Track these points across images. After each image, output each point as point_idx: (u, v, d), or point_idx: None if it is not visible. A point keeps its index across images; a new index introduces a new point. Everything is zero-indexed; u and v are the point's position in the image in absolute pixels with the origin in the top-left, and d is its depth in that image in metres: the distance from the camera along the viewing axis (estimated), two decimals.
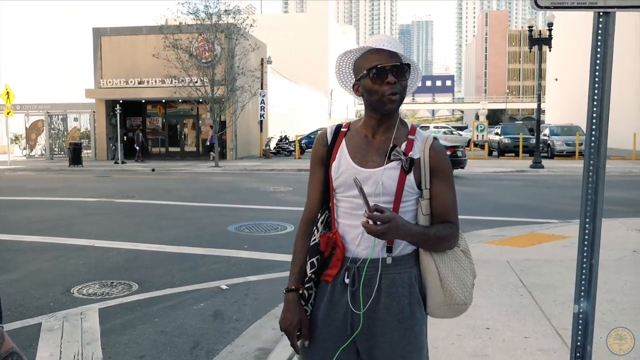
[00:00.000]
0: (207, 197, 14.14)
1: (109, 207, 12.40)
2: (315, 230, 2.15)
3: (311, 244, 2.15)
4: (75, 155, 26.13)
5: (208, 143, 30.67)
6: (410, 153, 2.02)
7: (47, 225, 9.90)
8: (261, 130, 33.32)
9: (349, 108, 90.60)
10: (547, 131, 30.21)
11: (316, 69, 72.08)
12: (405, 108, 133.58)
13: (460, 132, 47.82)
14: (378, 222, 1.80)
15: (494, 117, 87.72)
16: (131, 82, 29.99)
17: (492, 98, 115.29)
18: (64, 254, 7.72)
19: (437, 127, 48.15)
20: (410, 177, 2.00)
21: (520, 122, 53.68)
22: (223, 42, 26.29)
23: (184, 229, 9.65)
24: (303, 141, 34.68)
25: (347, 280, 2.03)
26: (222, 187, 16.90)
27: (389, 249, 2.01)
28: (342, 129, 2.17)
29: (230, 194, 14.88)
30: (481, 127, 31.72)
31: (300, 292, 2.09)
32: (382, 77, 1.97)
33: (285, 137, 36.96)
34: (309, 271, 2.12)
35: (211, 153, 28.61)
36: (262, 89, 31.85)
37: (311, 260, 2.12)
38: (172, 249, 7.93)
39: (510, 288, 5.54)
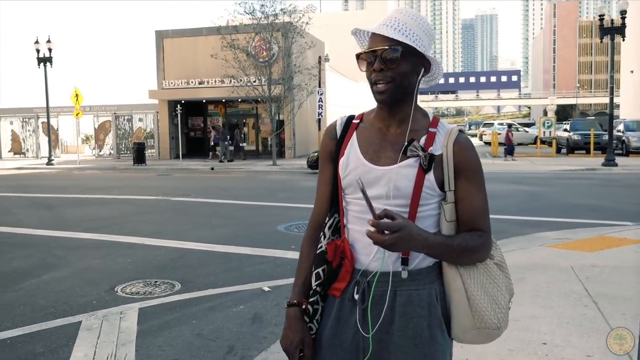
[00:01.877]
0: (261, 195, 14.07)
1: (164, 205, 12.51)
2: (322, 237, 1.88)
3: (317, 252, 1.88)
4: (139, 154, 26.79)
5: (212, 143, 31.01)
6: (431, 148, 1.72)
7: (102, 223, 10.04)
8: (319, 129, 33.14)
9: None
10: (621, 127, 28.58)
11: None
12: (469, 104, 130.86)
13: (526, 129, 46.11)
14: (386, 231, 1.52)
15: (564, 113, 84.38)
16: (192, 82, 30.50)
17: (561, 93, 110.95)
18: (114, 252, 7.75)
19: (501, 124, 46.68)
20: (430, 177, 1.70)
21: (592, 117, 51.22)
22: (280, 40, 26.30)
23: (234, 227, 9.56)
24: None
25: (356, 297, 1.75)
26: (277, 185, 16.82)
27: (405, 261, 1.71)
28: (354, 121, 1.89)
29: (284, 192, 14.76)
30: (548, 123, 30.35)
31: (304, 307, 1.82)
32: (369, 63, 1.73)
33: None
34: (314, 283, 1.85)
35: (212, 152, 29.57)
36: (319, 87, 31.72)
37: (317, 270, 1.85)
38: (220, 248, 7.83)
39: (573, 297, 5.06)
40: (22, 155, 36.31)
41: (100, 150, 35.76)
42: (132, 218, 10.77)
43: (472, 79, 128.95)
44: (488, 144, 37.72)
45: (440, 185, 1.72)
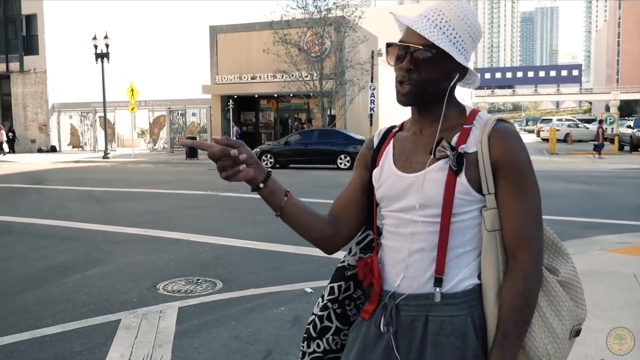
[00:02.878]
0: (308, 191, 13.90)
1: (212, 201, 12.53)
2: (348, 251, 1.67)
3: (338, 265, 1.67)
4: (191, 148, 27.10)
5: (234, 138, 30.70)
6: (463, 146, 1.46)
7: (149, 218, 10.10)
8: (371, 124, 32.80)
9: (464, 99, 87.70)
10: None
11: None
12: (526, 100, 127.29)
13: (587, 125, 44.46)
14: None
15: (627, 109, 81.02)
16: (244, 77, 30.70)
17: (625, 88, 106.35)
18: (159, 248, 7.74)
19: (560, 120, 45.12)
20: (462, 179, 1.44)
21: None
22: (332, 35, 26.12)
23: (279, 224, 9.35)
24: None
25: (385, 321, 1.53)
26: (326, 181, 16.67)
27: (438, 281, 1.47)
28: (394, 129, 1.68)
29: (333, 189, 14.54)
30: (610, 119, 29.13)
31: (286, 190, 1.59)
32: (397, 57, 1.50)
33: None
34: (326, 297, 1.66)
35: None
36: (372, 82, 31.36)
37: (332, 285, 1.66)
38: (264, 246, 7.71)
39: (635, 308, 4.68)
40: (80, 149, 37.45)
41: (155, 144, 36.50)
42: (179, 213, 10.80)
43: (531, 74, 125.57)
44: (546, 140, 36.52)
45: (479, 188, 1.46)
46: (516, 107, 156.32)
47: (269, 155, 21.78)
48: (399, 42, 1.48)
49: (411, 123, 1.61)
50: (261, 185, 1.49)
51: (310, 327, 1.69)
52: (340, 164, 20.81)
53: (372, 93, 31.46)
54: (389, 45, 1.53)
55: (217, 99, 31.74)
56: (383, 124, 37.39)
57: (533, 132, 54.10)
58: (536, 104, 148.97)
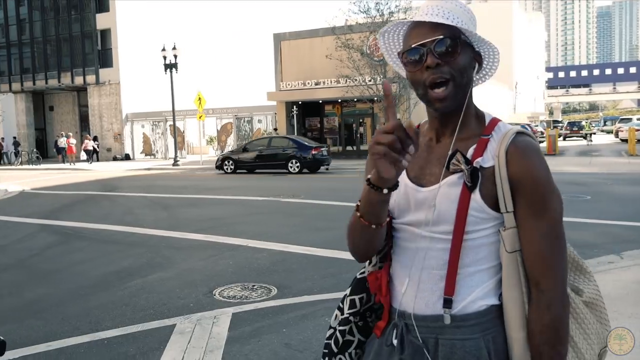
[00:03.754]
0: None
1: (273, 206, 12.64)
2: (368, 262, 1.60)
3: (358, 276, 1.61)
4: None
5: None
6: (478, 160, 1.37)
7: (211, 224, 10.30)
8: None
9: (537, 101, 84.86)
10: None
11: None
12: (604, 99, 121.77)
13: None
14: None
15: None
16: (308, 83, 30.93)
17: None
18: (218, 253, 7.87)
19: None
20: (477, 196, 1.35)
21: None
22: None
23: (339, 231, 9.33)
24: None
25: (394, 341, 1.46)
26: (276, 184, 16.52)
27: (447, 302, 1.38)
28: None
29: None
30: None
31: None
32: (418, 60, 1.37)
33: None
34: (347, 310, 1.58)
35: None
36: None
37: (353, 297, 1.59)
38: (321, 252, 7.69)
39: None
40: (152, 157, 38.82)
41: (222, 151, 37.29)
42: (240, 219, 10.96)
43: (608, 71, 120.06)
44: (625, 141, 34.76)
45: (494, 206, 1.36)
46: (593, 107, 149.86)
47: (230, 161, 23.63)
48: (414, 44, 1.38)
49: (428, 129, 1.51)
50: (386, 191, 1.26)
51: (332, 342, 1.62)
52: (291, 167, 22.31)
53: None
54: (401, 54, 1.44)
55: (282, 106, 32.13)
56: None
57: (611, 132, 51.60)
58: (615, 103, 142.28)
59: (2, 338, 1.61)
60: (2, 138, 40.26)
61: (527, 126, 35.40)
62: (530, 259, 1.35)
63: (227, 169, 23.64)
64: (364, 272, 1.60)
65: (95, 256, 8.02)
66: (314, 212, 11.54)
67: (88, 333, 4.91)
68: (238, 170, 23.36)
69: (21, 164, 36.28)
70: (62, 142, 33.74)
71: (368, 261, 1.61)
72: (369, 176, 1.24)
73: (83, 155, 34.51)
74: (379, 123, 31.93)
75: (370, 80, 25.69)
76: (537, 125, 48.54)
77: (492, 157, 1.37)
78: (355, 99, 28.63)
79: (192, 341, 4.63)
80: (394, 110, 1.23)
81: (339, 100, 32.00)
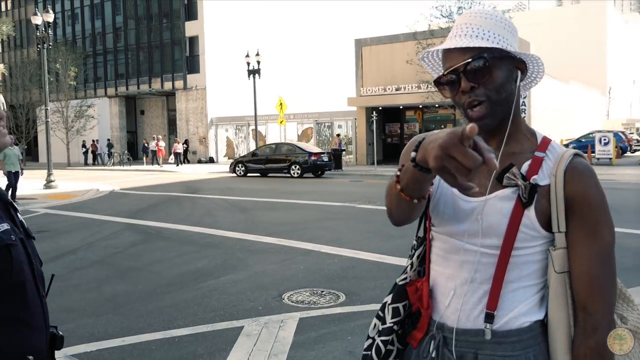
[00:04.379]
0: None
1: (348, 212, 12.65)
2: (410, 266, 1.57)
3: (399, 282, 1.58)
4: (336, 160, 27.69)
5: (339, 149, 30.98)
6: (535, 177, 1.35)
7: (286, 228, 10.44)
8: None
9: (634, 107, 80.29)
10: None
11: (591, 65, 65.37)
12: None
13: None
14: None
15: None
16: (389, 89, 30.78)
17: None
18: (290, 258, 7.96)
19: None
20: (531, 213, 1.33)
21: None
22: None
23: (412, 239, 9.25)
24: (571, 145, 31.66)
25: (433, 354, 1.43)
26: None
27: (489, 317, 1.35)
28: None
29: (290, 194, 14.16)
30: None
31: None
32: (452, 86, 1.37)
33: None
34: (389, 319, 1.56)
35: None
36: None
37: (395, 305, 1.56)
38: (392, 260, 7.61)
39: None
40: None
41: None
42: (314, 224, 11.04)
43: None
44: None
45: (546, 224, 1.34)
46: None
47: (240, 165, 25.81)
48: (446, 71, 1.39)
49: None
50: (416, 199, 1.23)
51: (372, 352, 1.60)
52: (292, 172, 24.09)
53: (523, 102, 29.98)
54: (437, 81, 1.44)
55: (362, 111, 32.12)
56: None
57: None
58: None
59: (60, 333, 1.70)
60: (97, 140, 42.64)
61: (620, 134, 33.61)
62: (579, 281, 1.33)
63: (238, 172, 25.65)
64: (405, 279, 1.57)
65: (172, 256, 8.32)
66: (388, 219, 11.43)
67: (160, 330, 5.10)
68: (248, 174, 25.44)
69: (113, 164, 38.29)
70: (153, 144, 35.30)
71: (409, 265, 1.59)
72: (413, 154, 1.15)
73: (172, 158, 35.90)
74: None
75: None
76: (632, 134, 45.89)
77: (548, 175, 1.36)
78: (436, 105, 28.21)
79: (257, 344, 4.70)
80: (471, 142, 1.02)
81: (420, 106, 31.65)
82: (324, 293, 6.17)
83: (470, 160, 0.97)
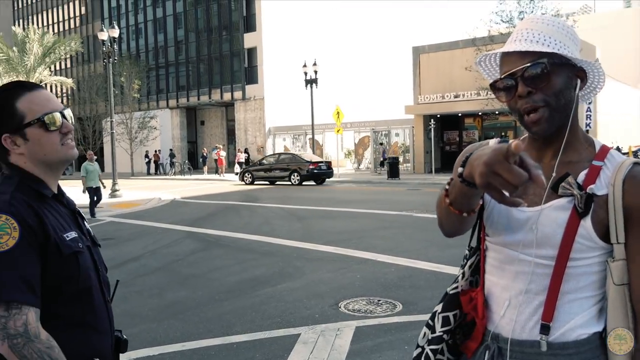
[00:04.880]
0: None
1: (405, 221, 12.55)
2: (461, 276, 1.56)
3: (450, 291, 1.56)
4: (392, 168, 27.54)
5: (382, 158, 32.35)
6: (592, 187, 1.31)
7: (342, 237, 10.44)
8: None
9: None
10: None
11: None
12: None
13: None
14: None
15: None
16: (447, 96, 30.41)
17: None
18: (346, 266, 7.96)
19: None
20: (587, 223, 1.30)
21: None
22: None
23: None
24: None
25: None
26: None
27: (545, 328, 1.32)
28: None
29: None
30: None
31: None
32: (509, 90, 1.35)
33: (617, 148, 32.86)
34: (439, 328, 1.54)
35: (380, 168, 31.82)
36: None
37: (445, 314, 1.54)
38: (450, 270, 7.49)
39: None
40: None
41: (360, 165, 37.75)
42: (371, 233, 10.99)
43: None
44: None
45: (604, 235, 1.30)
46: None
47: (249, 174, 27.57)
48: (503, 74, 1.37)
49: (528, 147, 1.45)
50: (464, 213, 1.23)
51: None
52: (293, 180, 25.77)
53: (589, 107, 28.98)
54: (494, 85, 1.42)
55: (420, 119, 31.84)
56: (604, 140, 34.11)
57: None
58: None
59: (125, 337, 1.77)
60: (159, 150, 43.93)
61: None
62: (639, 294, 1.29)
63: (246, 180, 27.43)
64: (456, 288, 1.56)
65: (231, 264, 8.47)
66: None
67: (220, 336, 5.19)
68: (255, 182, 27.19)
69: (174, 174, 39.32)
70: (214, 154, 36.04)
71: (460, 275, 1.57)
72: (460, 170, 1.17)
73: (237, 168, 36.40)
74: (522, 136, 30.52)
75: None
76: None
77: (606, 185, 1.32)
78: (497, 112, 27.66)
79: (314, 352, 4.72)
80: (516, 158, 1.01)
81: (479, 113, 31.10)
82: (380, 302, 6.14)
83: (515, 177, 0.98)
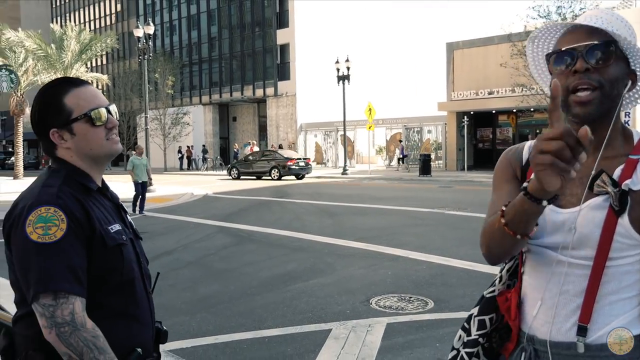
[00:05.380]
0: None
1: (437, 218, 12.45)
2: (499, 280, 1.54)
3: (486, 295, 1.55)
4: (424, 165, 27.35)
5: (400, 155, 32.91)
6: (628, 182, 1.28)
7: (374, 233, 10.41)
8: None
9: None
10: None
11: None
12: None
13: None
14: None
15: None
16: (481, 93, 30.04)
17: None
18: (377, 263, 7.94)
19: None
20: (624, 221, 1.26)
21: None
22: None
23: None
24: None
25: None
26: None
27: (582, 330, 1.30)
28: None
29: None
30: None
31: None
32: (565, 63, 1.31)
33: None
34: (475, 332, 1.54)
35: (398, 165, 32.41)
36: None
37: (481, 317, 1.54)
38: (483, 268, 7.39)
39: None
40: (323, 165, 40.26)
41: (391, 162, 37.57)
42: (402, 230, 10.94)
43: None
44: None
45: None
46: None
47: (234, 169, 29.64)
48: (564, 48, 1.33)
49: None
50: (545, 203, 1.16)
51: None
52: (273, 175, 27.65)
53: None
54: (550, 55, 1.38)
55: (453, 116, 31.52)
56: None
57: None
58: None
59: (164, 328, 1.80)
60: (192, 146, 44.44)
61: None
62: None
63: (233, 175, 29.55)
64: (493, 291, 1.54)
65: (263, 259, 8.53)
66: (477, 226, 11.09)
67: (252, 330, 5.24)
68: (241, 177, 29.17)
69: (207, 169, 39.73)
70: (247, 149, 36.29)
71: (498, 278, 1.56)
72: (525, 184, 1.16)
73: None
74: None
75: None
76: None
77: None
78: (532, 109, 27.20)
79: (345, 347, 4.73)
80: (559, 114, 1.08)
81: (514, 110, 30.63)
82: (412, 299, 6.11)
83: (554, 131, 1.02)
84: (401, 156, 33.60)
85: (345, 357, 4.51)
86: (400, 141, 34.23)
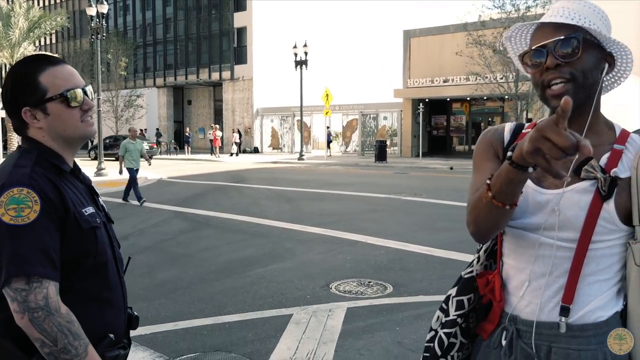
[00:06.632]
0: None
1: (394, 204, 12.60)
2: (476, 260, 1.57)
3: (464, 275, 1.57)
4: (380, 152, 27.60)
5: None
6: (614, 170, 1.33)
7: (332, 219, 10.47)
8: None
9: None
10: None
11: None
12: None
13: None
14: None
15: None
16: (436, 80, 30.42)
17: None
18: (336, 248, 7.99)
19: None
20: (609, 206, 1.31)
21: None
22: None
23: (460, 232, 9.11)
24: None
25: (504, 345, 1.43)
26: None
27: (565, 310, 1.33)
28: (524, 130, 1.55)
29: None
30: None
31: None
32: (537, 61, 1.36)
33: None
34: (452, 312, 1.56)
35: None
36: None
37: (460, 298, 1.55)
38: (440, 253, 7.55)
39: None
40: (279, 150, 40.13)
41: (347, 147, 37.76)
42: (360, 215, 11.03)
43: None
44: None
45: (625, 218, 1.32)
46: None
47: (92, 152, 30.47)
48: (533, 47, 1.38)
49: None
50: (531, 169, 1.16)
51: (435, 344, 1.61)
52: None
53: None
54: (522, 56, 1.42)
55: (409, 103, 31.85)
56: None
57: None
58: None
59: (136, 314, 1.77)
60: (145, 129, 43.53)
61: None
62: None
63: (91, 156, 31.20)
64: (471, 272, 1.57)
65: (221, 244, 8.46)
66: (435, 212, 11.35)
67: (212, 316, 5.20)
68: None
69: (161, 153, 39.03)
70: (210, 134, 35.73)
71: (476, 259, 1.58)
72: (509, 153, 1.18)
73: (234, 148, 35.94)
74: (508, 122, 30.64)
75: (502, 78, 24.70)
76: None
77: (628, 168, 1.34)
78: (485, 97, 27.75)
79: (307, 332, 4.75)
80: (565, 124, 1.04)
81: (468, 98, 31.18)
82: (371, 284, 6.18)
83: (564, 139, 1.01)
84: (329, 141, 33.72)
85: (307, 341, 4.53)
86: (328, 127, 33.94)
